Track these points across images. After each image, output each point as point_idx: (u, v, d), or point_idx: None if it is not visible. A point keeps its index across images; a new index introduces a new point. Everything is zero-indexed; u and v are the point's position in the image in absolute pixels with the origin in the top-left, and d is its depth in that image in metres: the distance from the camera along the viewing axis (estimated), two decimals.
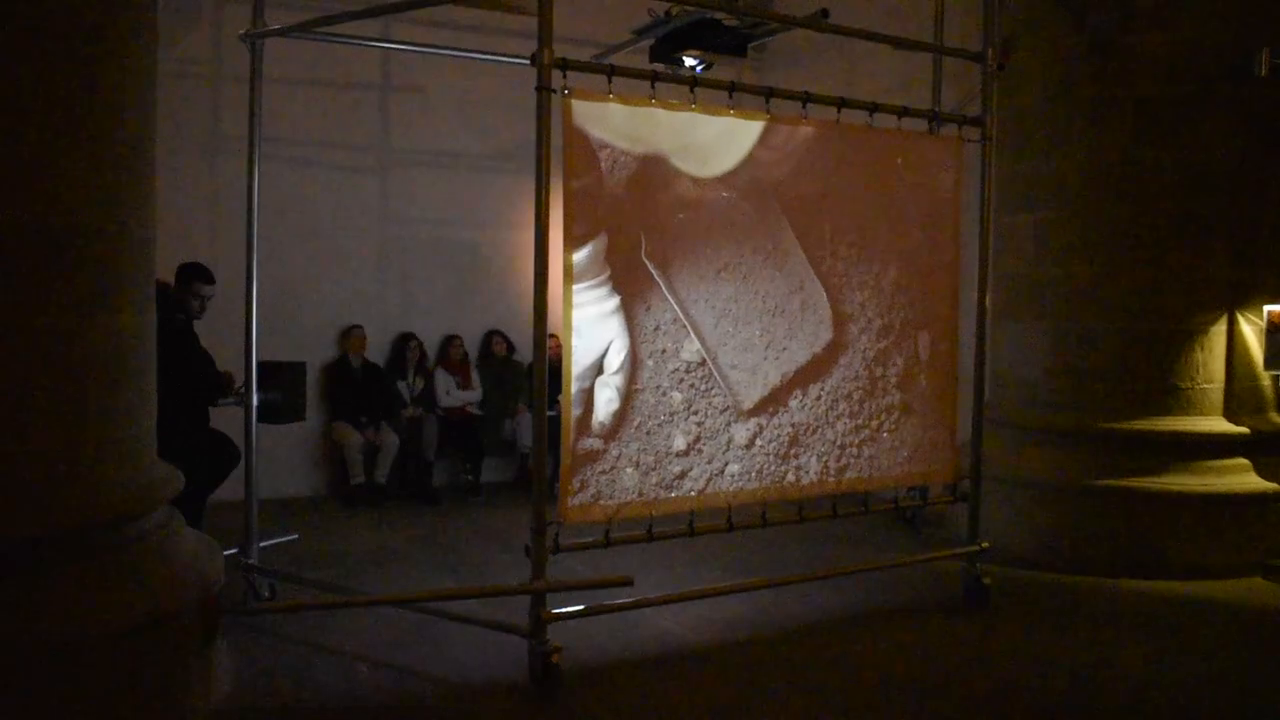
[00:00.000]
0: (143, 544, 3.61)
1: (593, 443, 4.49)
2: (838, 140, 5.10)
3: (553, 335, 5.35)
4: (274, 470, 7.32)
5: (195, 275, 5.74)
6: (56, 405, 3.34)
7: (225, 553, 4.25)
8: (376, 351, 8.35)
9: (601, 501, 4.52)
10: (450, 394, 8.39)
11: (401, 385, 8.29)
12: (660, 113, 4.59)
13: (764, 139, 4.86)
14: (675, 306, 4.67)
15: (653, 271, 4.61)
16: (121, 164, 3.58)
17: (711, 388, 4.78)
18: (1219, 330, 6.36)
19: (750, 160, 4.82)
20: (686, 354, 4.71)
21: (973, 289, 5.56)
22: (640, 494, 4.61)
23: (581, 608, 4.50)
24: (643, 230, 4.58)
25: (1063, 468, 6.38)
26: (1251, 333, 6.41)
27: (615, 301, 4.51)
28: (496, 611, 4.57)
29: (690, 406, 4.73)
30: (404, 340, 8.36)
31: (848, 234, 5.14)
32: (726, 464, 4.83)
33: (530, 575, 4.28)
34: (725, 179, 4.78)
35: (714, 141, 4.75)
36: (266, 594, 5.21)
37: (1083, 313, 6.49)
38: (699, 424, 4.75)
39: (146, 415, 3.83)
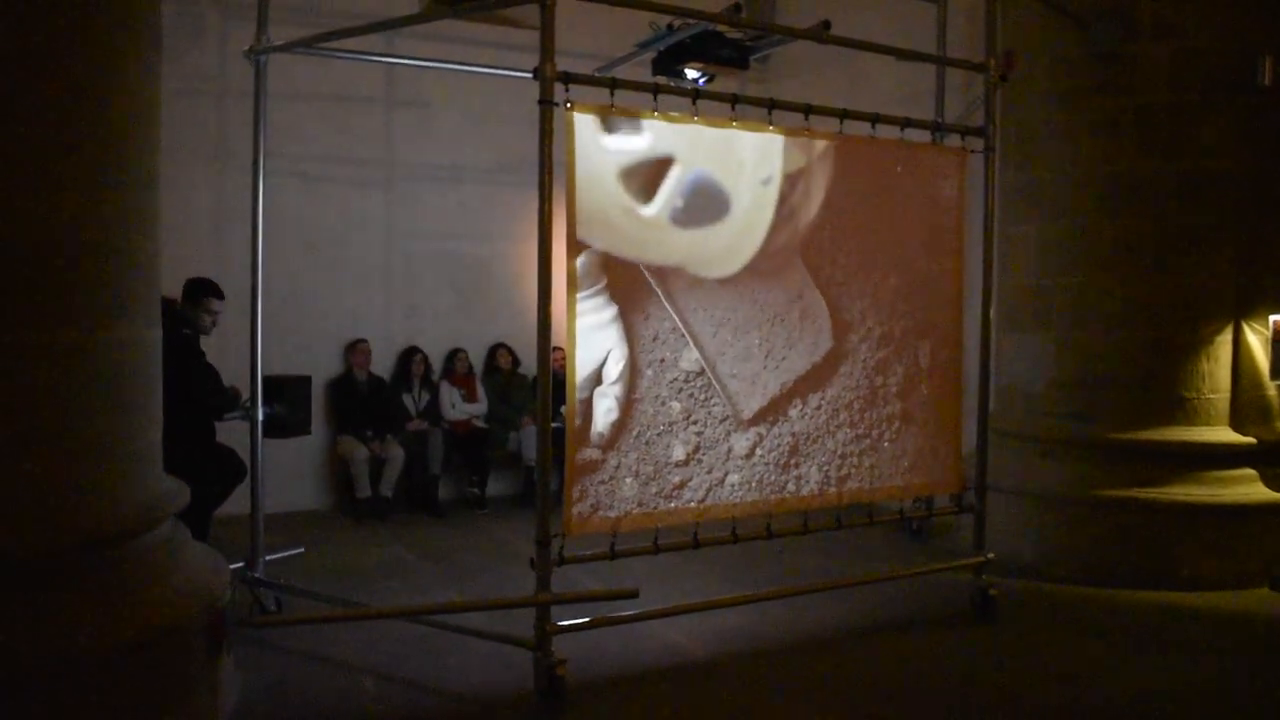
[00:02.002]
0: (148, 558, 3.61)
1: (592, 453, 4.49)
2: (839, 151, 5.11)
3: (557, 348, 5.37)
4: (280, 484, 7.30)
5: (206, 290, 5.75)
6: (62, 420, 3.35)
7: (231, 566, 4.26)
8: (381, 365, 8.36)
9: (600, 512, 4.51)
10: (455, 407, 8.40)
11: (407, 399, 8.30)
12: (664, 234, 4.61)
13: (765, 247, 4.88)
14: (674, 315, 4.67)
15: (650, 280, 4.62)
16: (127, 182, 3.59)
17: (710, 397, 4.77)
18: (1224, 340, 6.34)
19: (749, 269, 4.89)
20: (685, 363, 4.71)
21: (977, 300, 5.56)
22: (640, 504, 4.60)
23: (586, 620, 4.50)
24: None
25: (1069, 478, 6.36)
26: (1257, 342, 6.38)
27: (613, 310, 4.52)
28: (502, 624, 4.56)
29: (689, 416, 4.72)
30: (409, 354, 8.37)
31: (848, 243, 5.14)
32: (726, 474, 4.82)
33: (535, 588, 4.29)
34: (729, 280, 4.84)
35: (722, 253, 4.79)
36: (272, 607, 5.22)
37: (1088, 323, 6.48)
38: (698, 434, 4.74)
39: (153, 429, 3.84)
